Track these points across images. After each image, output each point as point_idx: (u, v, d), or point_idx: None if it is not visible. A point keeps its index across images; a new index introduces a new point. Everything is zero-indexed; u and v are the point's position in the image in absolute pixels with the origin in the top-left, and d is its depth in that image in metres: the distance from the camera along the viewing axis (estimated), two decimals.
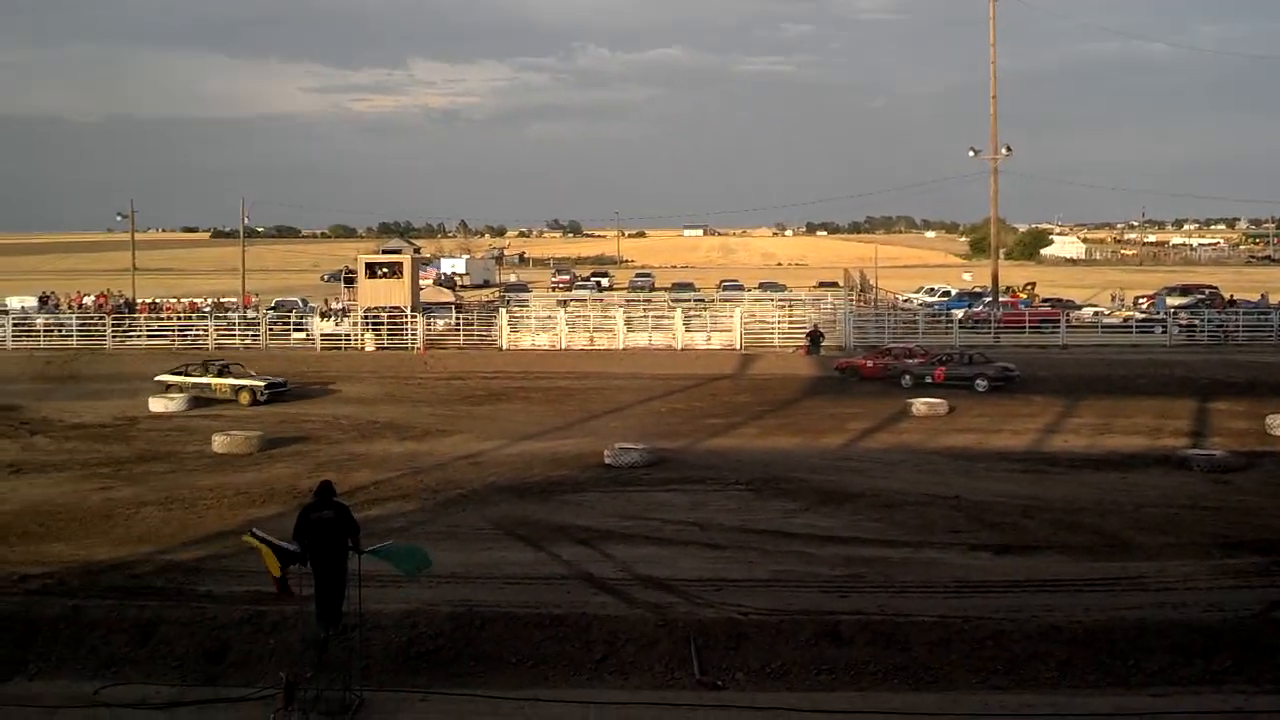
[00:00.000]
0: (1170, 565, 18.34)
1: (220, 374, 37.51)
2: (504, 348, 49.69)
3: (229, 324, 54.15)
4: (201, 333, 52.90)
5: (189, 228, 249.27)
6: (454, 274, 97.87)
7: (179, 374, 37.61)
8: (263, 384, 37.13)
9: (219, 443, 28.32)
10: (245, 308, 62.77)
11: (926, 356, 40.69)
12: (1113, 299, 62.70)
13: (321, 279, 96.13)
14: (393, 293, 52.91)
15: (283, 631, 13.95)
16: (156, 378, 37.74)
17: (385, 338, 50.82)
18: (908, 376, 38.33)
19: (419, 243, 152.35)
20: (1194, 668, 13.52)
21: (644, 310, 56.01)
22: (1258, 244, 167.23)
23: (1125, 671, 13.45)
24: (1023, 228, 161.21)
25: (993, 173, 54.34)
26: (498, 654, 13.78)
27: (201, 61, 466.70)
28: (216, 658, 13.72)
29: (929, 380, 37.87)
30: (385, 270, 54.81)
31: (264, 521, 19.43)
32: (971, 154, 54.89)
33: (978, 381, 37.62)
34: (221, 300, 67.49)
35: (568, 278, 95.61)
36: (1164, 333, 48.99)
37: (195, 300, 68.47)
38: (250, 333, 52.66)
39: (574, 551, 19.09)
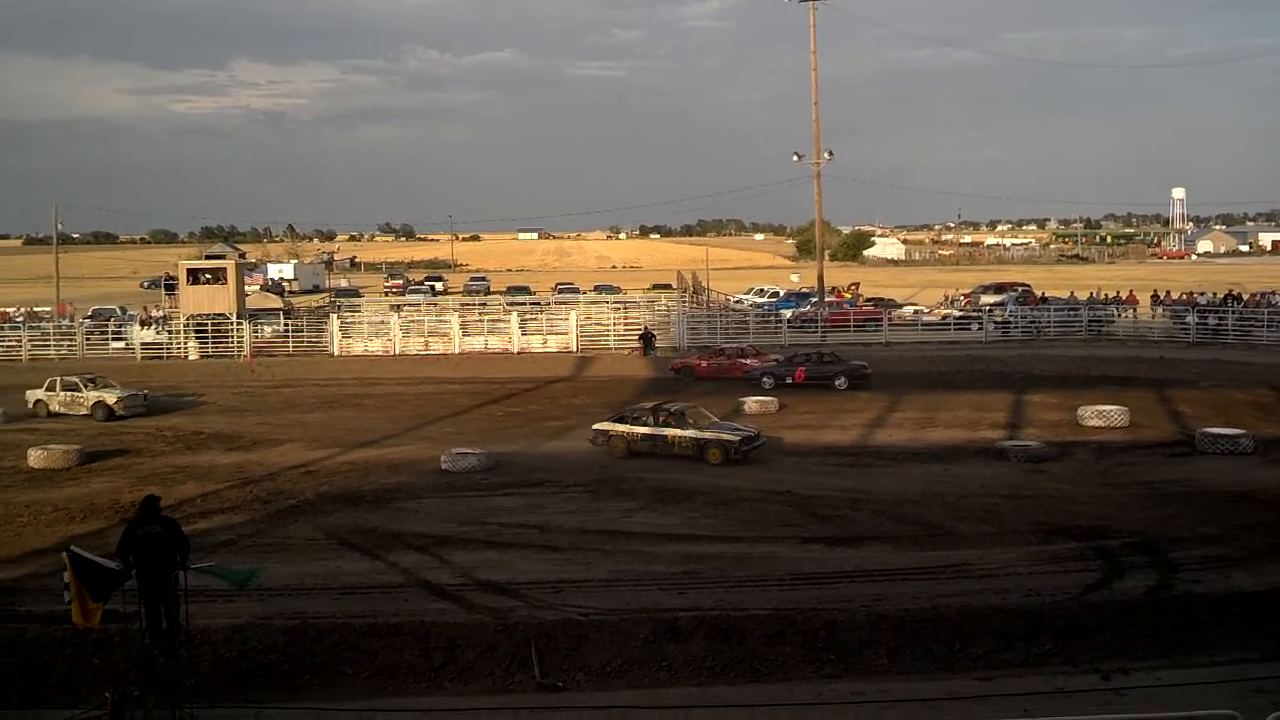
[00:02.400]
0: (991, 553, 19.20)
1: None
2: (335, 354, 48.73)
3: (43, 334, 51.62)
4: (15, 343, 50.28)
5: (0, 234, 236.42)
6: (282, 279, 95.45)
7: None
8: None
9: (35, 457, 27.03)
10: (60, 316, 59.89)
11: (762, 357, 41.51)
12: (945, 299, 64.93)
13: (141, 286, 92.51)
14: (216, 299, 51.19)
15: (107, 650, 13.42)
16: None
17: (210, 346, 49.23)
18: (768, 378, 38.76)
19: (244, 248, 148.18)
20: (1016, 651, 14.14)
21: (479, 314, 55.67)
22: (1067, 243, 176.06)
23: (951, 656, 13.99)
24: (846, 230, 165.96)
25: (815, 177, 55.86)
26: (334, 666, 13.53)
27: (7, 61, 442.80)
28: (38, 679, 13.13)
29: (790, 381, 38.45)
30: (209, 276, 52.96)
31: (85, 538, 18.67)
32: (796, 159, 56.36)
33: (838, 380, 38.42)
34: (35, 309, 64.26)
35: (401, 282, 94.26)
36: (980, 329, 51.05)
37: (6, 310, 65.02)
38: (66, 342, 50.32)
39: (411, 559, 18.89)
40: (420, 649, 13.78)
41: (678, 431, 27.36)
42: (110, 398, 34.73)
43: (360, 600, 16.30)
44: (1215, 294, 60.40)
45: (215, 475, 25.87)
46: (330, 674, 13.43)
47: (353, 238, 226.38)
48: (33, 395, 35.63)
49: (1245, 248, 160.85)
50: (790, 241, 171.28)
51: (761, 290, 72.91)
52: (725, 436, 27.15)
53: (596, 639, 14.14)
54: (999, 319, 52.64)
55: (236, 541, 20.09)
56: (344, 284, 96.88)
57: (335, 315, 52.97)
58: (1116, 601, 16.14)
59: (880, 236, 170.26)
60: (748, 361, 40.88)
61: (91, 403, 34.61)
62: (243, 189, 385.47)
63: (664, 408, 28.39)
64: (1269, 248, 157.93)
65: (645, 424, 27.83)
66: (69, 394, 35.10)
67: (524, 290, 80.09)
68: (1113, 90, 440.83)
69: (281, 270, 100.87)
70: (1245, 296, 58.31)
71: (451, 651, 13.73)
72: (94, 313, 60.73)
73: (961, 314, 56.06)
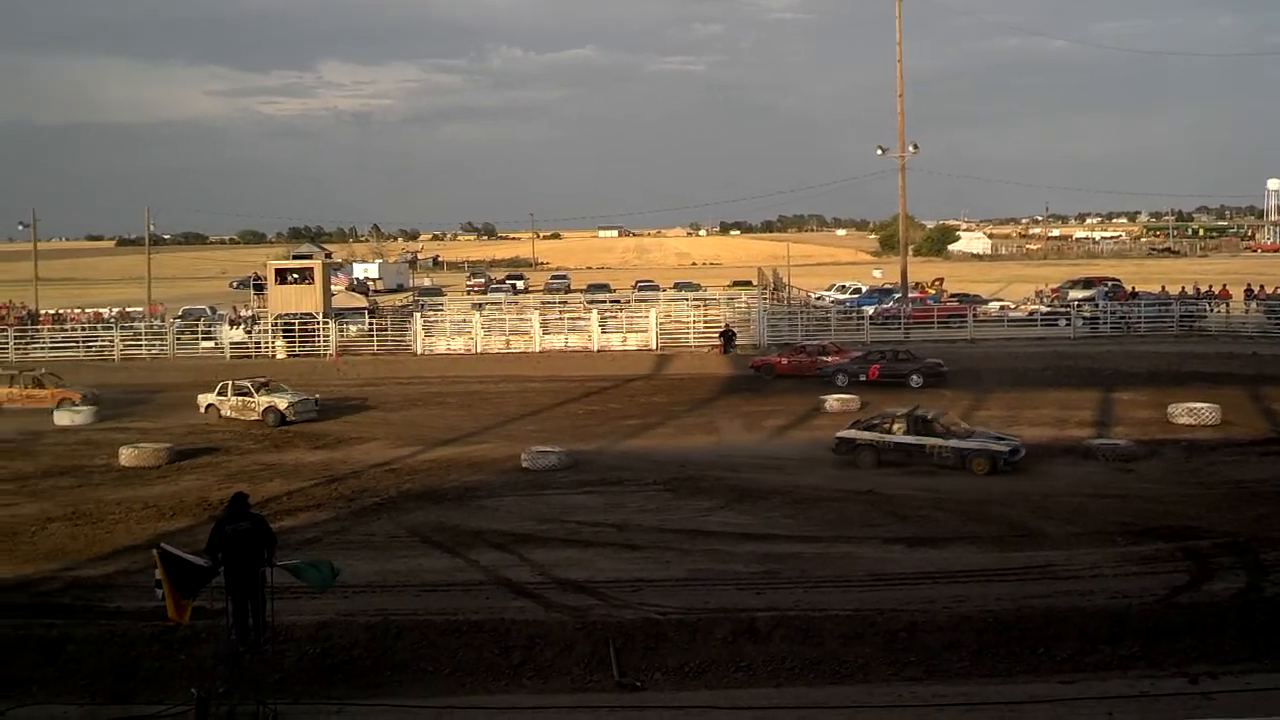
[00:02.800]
0: (1077, 554, 18.85)
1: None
2: (418, 352, 49.31)
3: (135, 334, 52.98)
4: (108, 343, 51.68)
5: (93, 236, 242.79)
6: (367, 279, 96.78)
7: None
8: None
9: (126, 455, 27.77)
10: (151, 316, 61.42)
11: (843, 354, 41.19)
12: (1036, 294, 63.78)
13: (230, 286, 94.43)
14: (304, 299, 52.01)
15: (194, 647, 13.70)
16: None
17: (297, 345, 50.12)
18: (842, 375, 38.53)
19: (330, 247, 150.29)
20: (1101, 653, 13.84)
21: (560, 312, 55.94)
22: (1158, 236, 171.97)
23: (1035, 659, 13.73)
24: (930, 224, 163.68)
25: (900, 170, 55.25)
26: (414, 663, 13.67)
27: (100, 66, 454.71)
28: (126, 675, 13.42)
29: (863, 378, 38.17)
30: (296, 276, 53.80)
31: (174, 535, 19.14)
32: (879, 152, 55.78)
33: (913, 378, 38.06)
34: (127, 310, 65.96)
35: (482, 280, 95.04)
36: (1068, 325, 50.09)
37: (99, 310, 66.84)
38: (158, 342, 51.58)
39: (491, 557, 19.05)
40: (499, 647, 13.86)
41: (939, 441, 25.71)
42: (281, 403, 34.12)
43: (441, 598, 16.48)
44: None
45: (301, 473, 26.38)
46: (411, 671, 13.57)
47: (436, 237, 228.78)
48: (204, 400, 35.28)
49: None
50: (873, 237, 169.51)
51: (843, 286, 72.27)
52: (993, 447, 25.33)
53: (674, 638, 14.11)
54: (1087, 314, 51.58)
55: (321, 539, 20.44)
56: (427, 283, 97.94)
57: (418, 314, 53.58)
58: (1205, 604, 15.73)
59: (965, 231, 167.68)
60: (827, 359, 40.57)
61: (263, 408, 34.07)
62: (329, 189, 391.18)
63: (918, 414, 26.48)
64: None
65: (898, 432, 26.13)
66: (240, 399, 34.56)
67: (604, 288, 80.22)
68: (1204, 80, 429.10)
69: (366, 270, 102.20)
70: None
71: (530, 650, 13.79)
72: (184, 313, 62.15)
73: (1049, 309, 55.03)
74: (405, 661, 13.69)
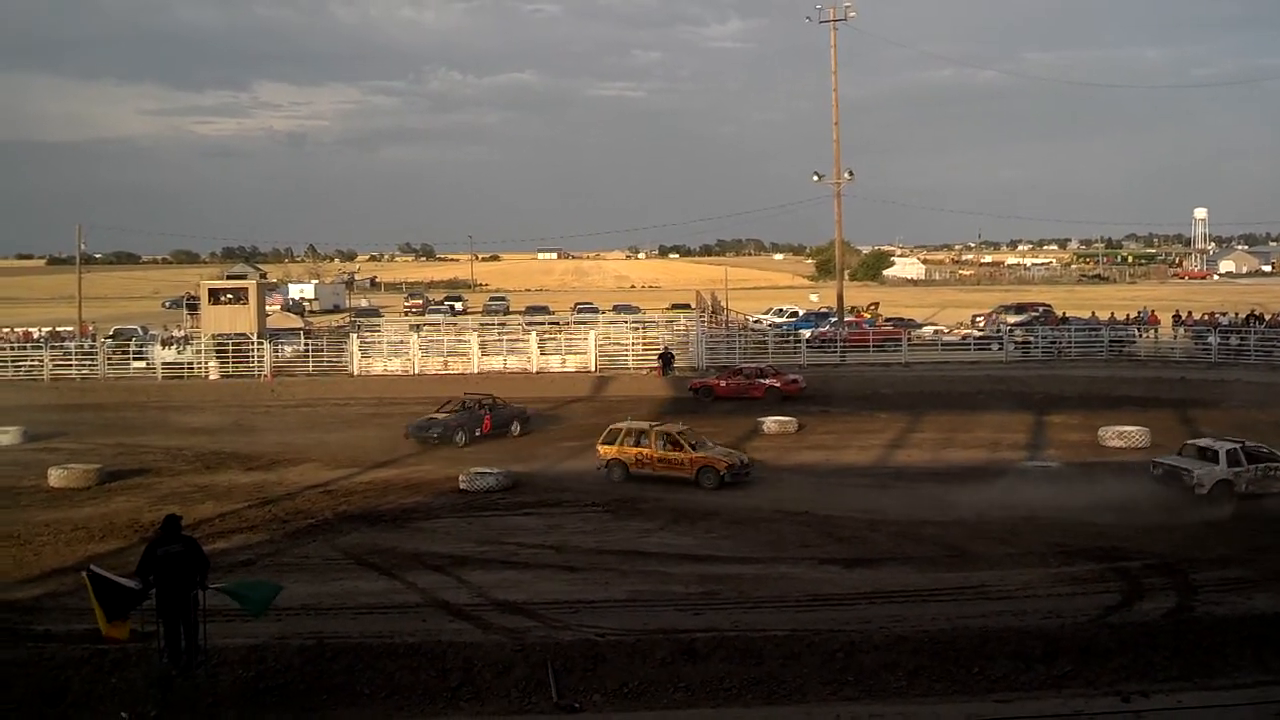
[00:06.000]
0: (1011, 574, 19.12)
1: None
2: (355, 374, 48.81)
3: (65, 353, 51.93)
4: (37, 363, 50.62)
5: (24, 254, 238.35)
6: (302, 299, 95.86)
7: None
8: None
9: (56, 476, 27.19)
10: (82, 336, 60.24)
11: (779, 376, 41.53)
12: (973, 321, 64.57)
13: (163, 306, 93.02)
14: (238, 319, 51.32)
15: (125, 670, 13.41)
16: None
17: (230, 366, 49.44)
18: (443, 431, 33.14)
19: (266, 268, 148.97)
20: (1035, 673, 14.01)
21: (498, 334, 55.72)
22: (1088, 263, 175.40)
23: (970, 679, 13.87)
24: (866, 249, 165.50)
25: (836, 196, 55.85)
26: (350, 686, 13.49)
27: (30, 83, 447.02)
28: (55, 699, 13.10)
29: (479, 433, 33.83)
30: (230, 296, 53.11)
31: (105, 558, 18.75)
32: (816, 179, 56.34)
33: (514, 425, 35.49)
34: (57, 329, 64.65)
35: (420, 302, 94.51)
36: (1000, 349, 50.82)
37: (29, 329, 65.44)
38: (88, 362, 50.61)
39: (429, 579, 18.89)
40: (437, 669, 13.74)
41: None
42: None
43: (377, 620, 16.31)
44: (1237, 314, 59.92)
45: (234, 495, 25.98)
46: (347, 694, 13.39)
47: (373, 258, 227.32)
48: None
49: (1268, 268, 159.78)
50: (809, 261, 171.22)
51: (780, 310, 72.82)
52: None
53: (613, 660, 14.07)
54: (1019, 339, 52.39)
55: (255, 561, 20.15)
56: (364, 304, 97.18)
57: (355, 335, 53.08)
58: (1137, 623, 16.03)
59: (900, 256, 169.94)
60: (764, 381, 40.89)
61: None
62: (265, 210, 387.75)
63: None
64: None
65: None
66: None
67: (543, 310, 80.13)
68: (1135, 111, 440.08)
69: (302, 290, 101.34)
70: (1267, 317, 57.85)
71: (468, 672, 13.68)
72: (115, 333, 61.03)
73: (982, 334, 55.79)
74: (340, 685, 13.50)
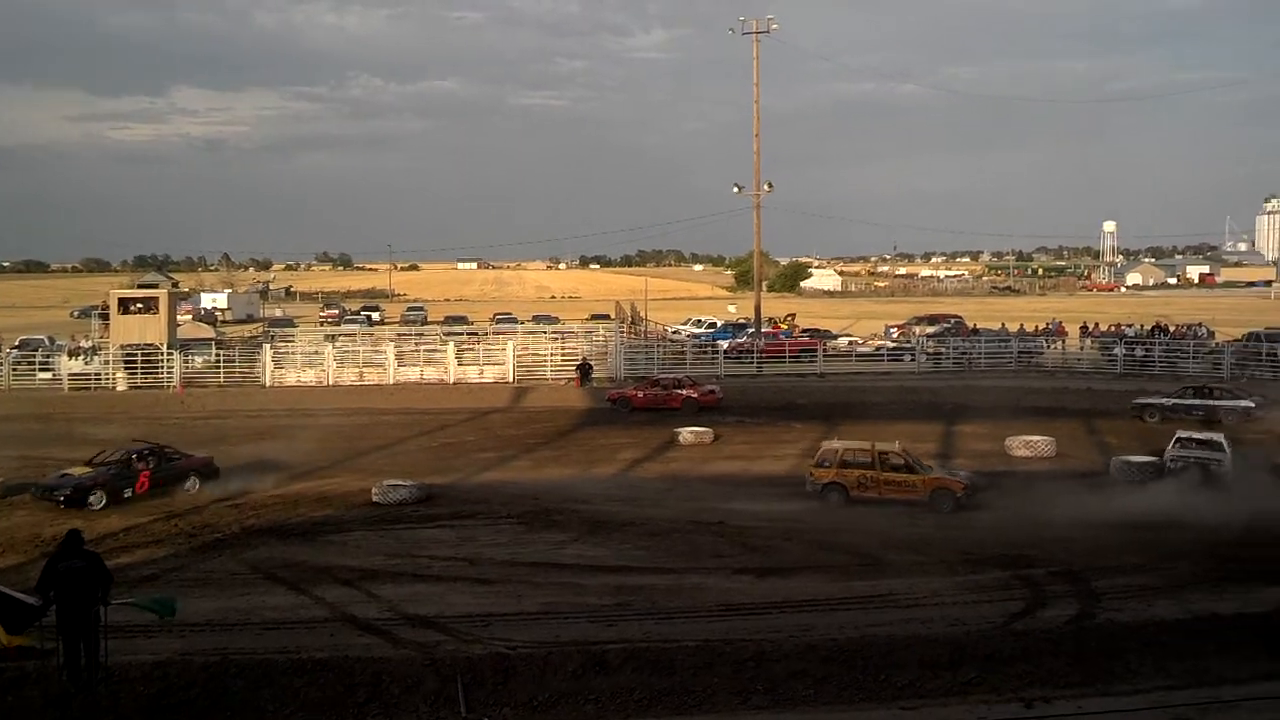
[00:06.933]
0: (920, 582, 19.38)
1: None
2: (267, 384, 48.06)
3: None
4: None
5: None
6: (215, 309, 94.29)
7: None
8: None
9: None
10: None
11: (696, 386, 41.75)
12: (886, 332, 65.37)
13: (72, 315, 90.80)
14: (148, 329, 50.35)
15: (23, 688, 13.02)
16: None
17: (139, 376, 48.39)
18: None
19: (178, 276, 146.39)
20: (941, 680, 14.22)
21: (415, 344, 55.28)
22: (999, 275, 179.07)
23: (877, 686, 14.03)
24: (784, 261, 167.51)
25: (755, 208, 56.42)
26: (255, 703, 13.26)
27: None
28: None
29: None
30: (140, 305, 52.12)
31: (4, 573, 18.25)
32: (736, 190, 56.84)
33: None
34: None
35: (336, 312, 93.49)
36: (913, 360, 51.60)
37: None
38: None
39: (338, 593, 18.65)
40: (344, 685, 13.55)
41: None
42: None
43: (284, 636, 16.04)
44: (1143, 325, 61.62)
45: (139, 509, 25.37)
46: (251, 711, 13.16)
47: (290, 267, 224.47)
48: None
49: (1173, 280, 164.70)
50: (729, 272, 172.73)
51: (699, 321, 73.21)
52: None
53: (524, 673, 14.01)
54: (931, 350, 53.24)
55: (159, 576, 19.75)
56: (279, 313, 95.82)
57: (268, 345, 52.30)
58: (1040, 630, 16.33)
59: (817, 268, 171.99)
60: (681, 392, 41.08)
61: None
62: (179, 217, 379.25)
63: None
64: (1196, 280, 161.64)
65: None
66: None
67: (461, 320, 79.76)
68: (1048, 125, 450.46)
69: (215, 299, 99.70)
70: (1172, 328, 59.57)
71: (376, 687, 13.52)
72: (21, 342, 59.37)
73: (895, 345, 56.61)
74: (245, 701, 13.27)
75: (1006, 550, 21.45)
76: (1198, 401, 37.46)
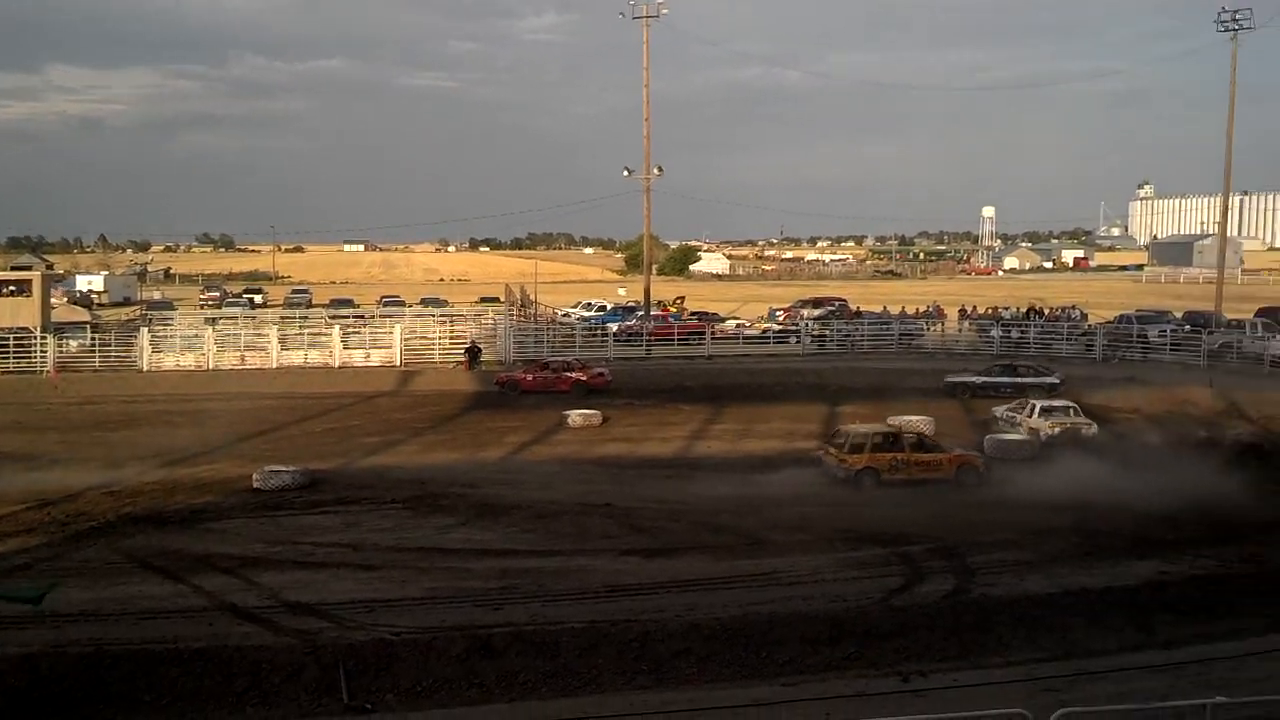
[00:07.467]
0: (802, 560, 19.76)
1: None
2: (145, 369, 46.74)
3: None
4: None
5: None
6: (90, 291, 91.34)
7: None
8: None
9: None
10: None
11: (585, 369, 41.79)
12: (771, 314, 65.97)
13: None
14: (20, 312, 48.87)
15: None
16: None
17: (11, 361, 46.70)
18: None
19: (53, 258, 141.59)
20: (821, 655, 14.59)
21: (300, 327, 54.32)
22: (882, 259, 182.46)
23: (759, 663, 14.35)
24: (674, 245, 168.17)
25: (645, 192, 56.64)
26: (131, 694, 13.03)
27: None
28: None
29: None
30: (12, 288, 50.61)
31: None
32: (626, 174, 56.97)
33: None
34: None
35: (217, 294, 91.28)
36: (798, 343, 52.36)
37: None
38: None
39: (217, 581, 18.30)
40: (223, 674, 13.38)
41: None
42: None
43: (161, 625, 15.70)
44: (1019, 308, 63.44)
45: (9, 497, 24.47)
46: (127, 702, 12.93)
47: (169, 248, 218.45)
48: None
49: (1049, 264, 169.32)
50: (619, 256, 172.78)
51: (589, 304, 73.21)
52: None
53: (408, 658, 13.98)
54: (816, 333, 54.06)
55: (32, 565, 19.17)
56: (157, 296, 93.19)
57: (145, 329, 50.91)
58: (916, 606, 16.82)
59: (706, 251, 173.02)
60: (571, 375, 41.09)
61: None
62: (54, 198, 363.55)
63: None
64: (1071, 264, 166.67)
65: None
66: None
67: (348, 303, 78.60)
68: (930, 112, 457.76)
69: (90, 282, 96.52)
70: (1046, 311, 61.46)
71: (256, 676, 13.37)
72: None
73: (781, 328, 57.34)
74: (121, 693, 13.04)
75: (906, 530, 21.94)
76: (1006, 379, 39.52)
